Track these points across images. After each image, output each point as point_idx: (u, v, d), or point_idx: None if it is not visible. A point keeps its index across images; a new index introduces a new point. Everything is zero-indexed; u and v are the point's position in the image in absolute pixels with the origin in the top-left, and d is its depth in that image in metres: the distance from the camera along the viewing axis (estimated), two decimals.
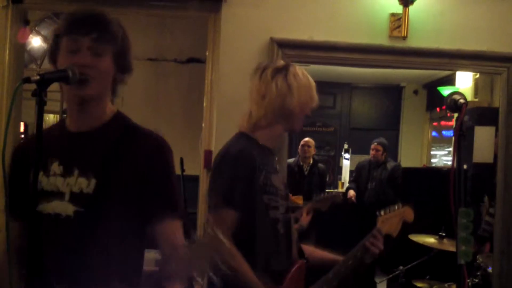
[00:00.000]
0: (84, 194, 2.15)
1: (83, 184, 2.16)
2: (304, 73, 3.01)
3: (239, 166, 2.80)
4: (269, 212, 2.87)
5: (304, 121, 3.08)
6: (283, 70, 2.97)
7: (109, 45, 2.17)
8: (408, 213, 3.29)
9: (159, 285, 2.09)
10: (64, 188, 2.17)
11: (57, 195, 2.17)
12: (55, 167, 2.20)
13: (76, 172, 2.18)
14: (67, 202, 2.15)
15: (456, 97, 2.27)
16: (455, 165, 2.16)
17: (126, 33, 2.28)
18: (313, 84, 3.03)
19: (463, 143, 2.20)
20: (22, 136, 6.85)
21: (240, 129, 3.05)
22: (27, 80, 1.87)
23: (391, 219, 3.20)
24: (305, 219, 5.79)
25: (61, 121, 2.33)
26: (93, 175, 2.16)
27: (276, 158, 3.13)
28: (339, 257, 3.15)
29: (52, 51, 2.21)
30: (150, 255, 2.46)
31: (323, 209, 5.76)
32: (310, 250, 3.24)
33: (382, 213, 3.20)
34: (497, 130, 5.71)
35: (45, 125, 2.02)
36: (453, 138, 2.19)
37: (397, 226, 3.22)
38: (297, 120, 3.01)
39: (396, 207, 3.26)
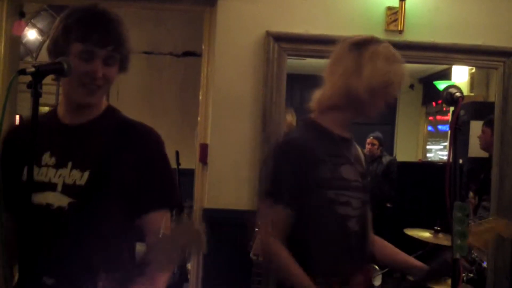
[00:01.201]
0: (77, 186, 2.15)
1: (76, 176, 2.16)
2: (389, 54, 2.59)
3: (288, 159, 2.54)
4: (336, 209, 2.56)
5: (382, 107, 2.66)
6: (362, 46, 2.60)
7: (120, 55, 2.19)
8: (503, 227, 2.90)
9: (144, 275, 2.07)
10: (56, 179, 2.17)
11: (49, 186, 2.17)
12: (47, 158, 2.20)
13: (69, 164, 2.18)
14: (60, 193, 2.16)
15: (452, 90, 2.24)
16: (451, 159, 2.15)
17: (127, 32, 2.29)
18: (399, 70, 2.60)
19: (459, 138, 2.19)
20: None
21: (311, 115, 2.71)
22: (23, 72, 1.86)
23: (483, 233, 2.82)
24: None
25: (53, 111, 2.33)
26: (86, 168, 2.17)
27: (358, 148, 2.85)
28: (420, 264, 2.78)
29: (59, 46, 2.19)
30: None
31: None
32: (392, 251, 2.91)
33: (477, 222, 2.87)
34: (486, 125, 5.74)
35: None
36: (449, 132, 2.17)
37: (490, 240, 2.91)
38: (368, 106, 2.62)
39: (491, 219, 2.97)
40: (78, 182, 2.15)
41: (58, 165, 2.19)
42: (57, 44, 2.18)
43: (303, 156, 2.52)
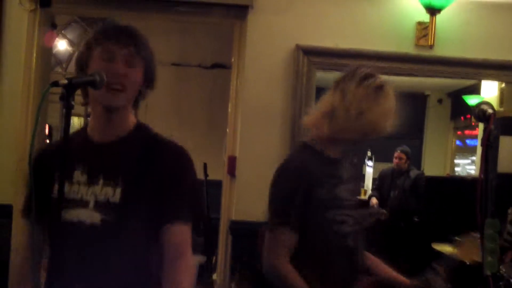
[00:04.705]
0: (111, 202, 2.16)
1: (109, 192, 2.17)
2: None
3: (291, 181, 2.69)
4: (334, 228, 2.70)
5: None
6: None
7: (142, 58, 2.21)
8: None
9: None
10: (89, 196, 2.18)
11: (81, 203, 2.18)
12: (78, 175, 2.21)
13: (101, 181, 2.19)
14: (92, 210, 2.17)
15: (485, 107, 2.24)
16: (482, 176, 2.13)
17: (152, 49, 2.31)
18: None
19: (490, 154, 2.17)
20: (47, 140, 6.90)
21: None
22: (55, 84, 1.87)
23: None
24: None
25: (83, 129, 2.34)
26: (118, 184, 2.17)
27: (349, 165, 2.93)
28: (404, 280, 2.91)
29: (83, 59, 2.22)
30: None
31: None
32: (381, 266, 3.02)
33: None
34: None
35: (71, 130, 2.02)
36: (481, 148, 2.15)
37: None
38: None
39: None
40: (111, 199, 2.16)
41: (90, 182, 2.20)
42: (82, 56, 2.22)
43: (305, 178, 2.65)
